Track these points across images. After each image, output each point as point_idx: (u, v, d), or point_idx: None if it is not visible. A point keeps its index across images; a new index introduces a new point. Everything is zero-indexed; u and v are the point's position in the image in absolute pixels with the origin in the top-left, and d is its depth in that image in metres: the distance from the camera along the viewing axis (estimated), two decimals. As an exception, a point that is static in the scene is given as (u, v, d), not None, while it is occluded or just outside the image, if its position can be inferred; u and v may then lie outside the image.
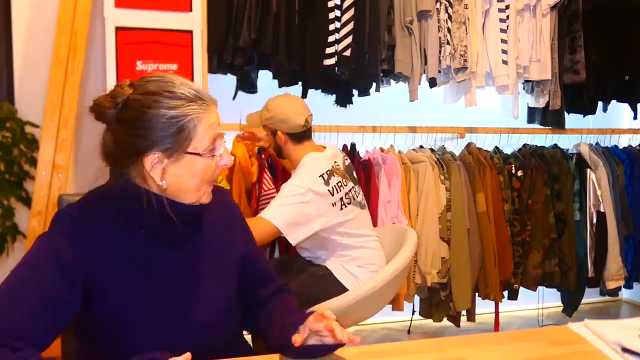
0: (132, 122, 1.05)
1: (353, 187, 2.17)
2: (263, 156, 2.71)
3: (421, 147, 3.11)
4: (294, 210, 1.99)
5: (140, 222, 1.10)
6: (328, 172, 2.09)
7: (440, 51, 2.89)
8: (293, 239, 2.01)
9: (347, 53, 2.72)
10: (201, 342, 1.14)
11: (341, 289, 2.07)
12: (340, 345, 1.06)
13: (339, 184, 2.10)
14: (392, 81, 2.98)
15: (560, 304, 3.46)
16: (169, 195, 1.09)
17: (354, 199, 2.15)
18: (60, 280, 1.02)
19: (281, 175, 2.69)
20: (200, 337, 1.14)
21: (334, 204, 2.06)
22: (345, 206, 2.10)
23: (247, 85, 2.80)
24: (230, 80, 2.80)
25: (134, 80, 1.10)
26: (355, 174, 2.30)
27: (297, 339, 1.05)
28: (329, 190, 2.05)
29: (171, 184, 1.08)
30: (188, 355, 0.96)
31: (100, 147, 1.10)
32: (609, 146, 3.45)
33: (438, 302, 2.98)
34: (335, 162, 2.17)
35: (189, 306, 1.14)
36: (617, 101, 3.51)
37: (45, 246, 1.06)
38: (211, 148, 1.09)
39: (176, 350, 0.99)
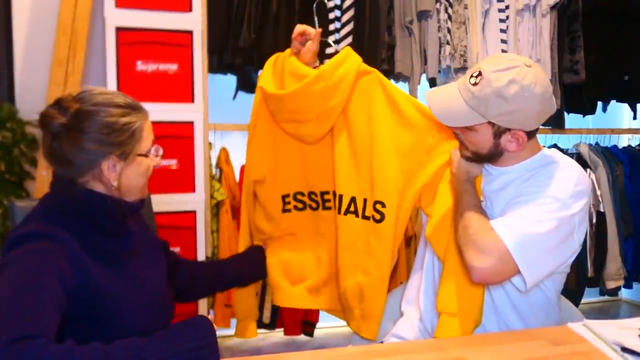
0: (88, 132, 1.15)
1: None
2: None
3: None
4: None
5: (93, 221, 1.19)
6: None
7: (440, 51, 2.89)
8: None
9: (347, 53, 2.72)
10: (164, 317, 1.30)
11: None
12: None
13: None
14: (392, 81, 2.98)
15: (559, 303, 3.47)
16: (115, 195, 1.21)
17: None
18: (60, 287, 1.06)
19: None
20: (163, 313, 1.30)
21: None
22: None
23: (247, 85, 2.80)
24: (230, 80, 2.81)
25: (76, 95, 1.19)
26: None
27: None
28: None
29: (122, 185, 1.21)
30: None
31: (49, 158, 1.18)
32: (609, 146, 3.45)
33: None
34: None
35: (150, 286, 1.27)
36: (617, 101, 3.52)
37: (43, 263, 1.06)
38: (151, 149, 1.25)
39: (149, 326, 1.15)
